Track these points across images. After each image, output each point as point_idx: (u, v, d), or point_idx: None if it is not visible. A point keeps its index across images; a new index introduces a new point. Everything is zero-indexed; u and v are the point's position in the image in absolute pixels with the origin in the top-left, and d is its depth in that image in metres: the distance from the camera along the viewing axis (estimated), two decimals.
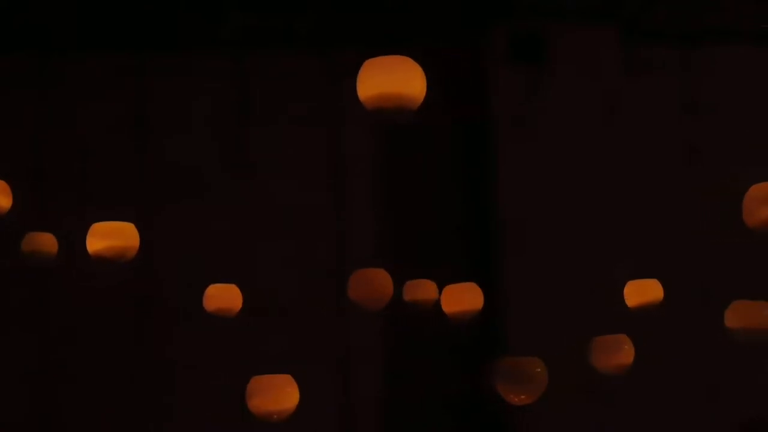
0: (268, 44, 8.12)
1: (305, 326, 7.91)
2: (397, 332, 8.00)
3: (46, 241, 5.54)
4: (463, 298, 5.53)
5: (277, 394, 4.25)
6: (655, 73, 8.38)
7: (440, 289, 5.82)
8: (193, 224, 7.95)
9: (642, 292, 5.56)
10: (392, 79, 3.17)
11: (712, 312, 8.10)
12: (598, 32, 8.14)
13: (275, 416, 4.23)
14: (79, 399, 7.81)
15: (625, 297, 5.62)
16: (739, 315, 4.88)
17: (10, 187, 4.80)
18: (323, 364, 7.97)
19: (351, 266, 5.44)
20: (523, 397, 4.47)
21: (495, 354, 7.90)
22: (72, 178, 7.89)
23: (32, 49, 7.89)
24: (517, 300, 7.85)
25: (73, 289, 7.65)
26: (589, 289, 7.44)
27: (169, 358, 7.87)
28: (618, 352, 5.15)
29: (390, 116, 3.18)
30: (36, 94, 7.84)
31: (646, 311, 5.53)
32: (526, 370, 4.50)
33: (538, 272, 7.81)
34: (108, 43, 8.04)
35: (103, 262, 4.64)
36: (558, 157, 7.95)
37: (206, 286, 5.93)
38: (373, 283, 5.15)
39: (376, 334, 8.00)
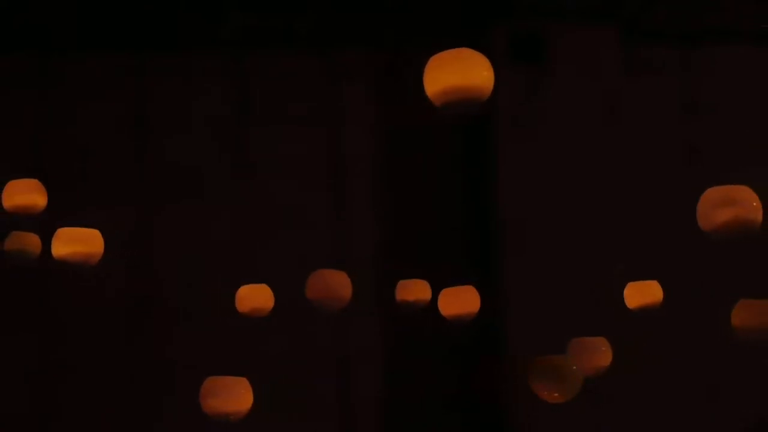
0: (268, 44, 8.12)
1: (305, 326, 7.91)
2: (397, 332, 8.00)
3: (31, 241, 5.54)
4: (460, 301, 5.53)
5: (232, 395, 4.28)
6: (655, 73, 8.39)
7: (440, 288, 5.82)
8: (193, 224, 7.95)
9: (642, 293, 5.56)
10: (460, 72, 3.17)
11: (712, 312, 8.12)
12: (598, 32, 8.14)
13: (230, 417, 4.27)
14: (78, 399, 7.80)
15: (626, 298, 5.63)
16: (746, 314, 4.88)
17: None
18: (323, 364, 7.98)
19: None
20: (556, 395, 4.48)
21: (494, 354, 7.91)
22: (72, 178, 7.89)
23: (32, 49, 7.89)
24: (517, 300, 7.85)
25: (73, 289, 7.64)
26: (589, 289, 7.44)
27: (169, 358, 7.87)
28: (595, 355, 5.15)
29: (460, 109, 3.19)
30: (36, 94, 7.84)
31: (645, 312, 5.53)
32: (562, 369, 4.50)
33: (538, 272, 7.81)
34: (108, 43, 8.04)
35: (66, 266, 4.72)
36: (558, 157, 7.95)
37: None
38: (330, 285, 5.16)
39: (376, 334, 8.00)
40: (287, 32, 8.16)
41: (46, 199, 4.94)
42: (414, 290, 5.89)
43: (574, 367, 4.48)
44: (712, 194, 3.62)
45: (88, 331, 7.84)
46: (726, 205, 3.55)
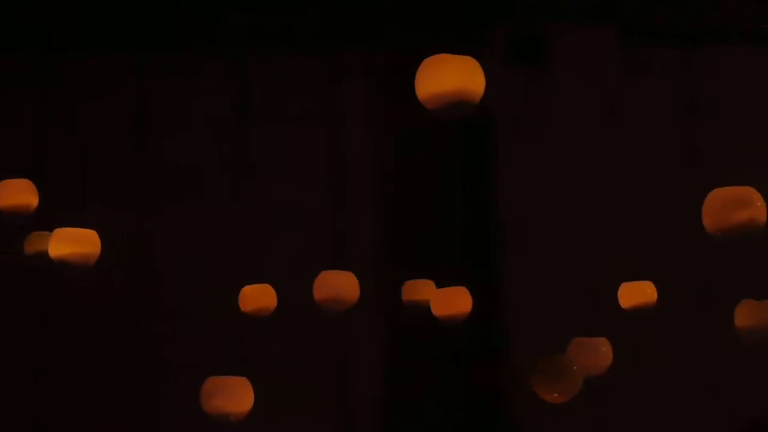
0: (268, 44, 8.12)
1: (305, 327, 7.91)
2: (397, 333, 8.00)
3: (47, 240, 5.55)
4: (452, 302, 5.54)
5: (234, 395, 4.30)
6: (655, 73, 8.38)
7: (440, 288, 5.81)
8: (193, 224, 7.95)
9: (636, 294, 5.54)
10: (457, 76, 3.21)
11: (713, 312, 8.12)
12: (598, 32, 8.14)
13: (232, 417, 4.28)
14: (77, 399, 7.80)
15: (619, 298, 5.61)
16: (748, 314, 4.88)
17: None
18: (323, 365, 7.97)
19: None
20: (556, 395, 4.48)
21: (494, 354, 7.91)
22: (72, 178, 7.89)
23: (32, 49, 7.89)
24: (517, 300, 7.85)
25: (71, 288, 7.64)
26: (590, 289, 7.44)
27: (168, 358, 7.87)
28: (596, 355, 5.15)
29: (453, 113, 3.21)
30: (36, 94, 7.84)
31: (639, 313, 5.52)
32: (562, 369, 4.50)
33: (538, 272, 7.81)
34: (108, 43, 8.04)
35: (65, 267, 4.73)
36: (558, 157, 7.95)
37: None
38: (336, 286, 5.18)
39: (376, 334, 7.99)
40: (287, 32, 8.16)
41: (38, 198, 4.95)
42: (420, 290, 5.90)
43: (575, 367, 4.49)
44: (721, 195, 3.57)
45: (87, 331, 7.83)
46: (740, 206, 3.51)
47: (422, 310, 5.89)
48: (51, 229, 5.63)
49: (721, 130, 8.32)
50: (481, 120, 8.14)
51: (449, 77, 3.21)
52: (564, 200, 7.89)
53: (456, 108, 3.21)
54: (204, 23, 8.06)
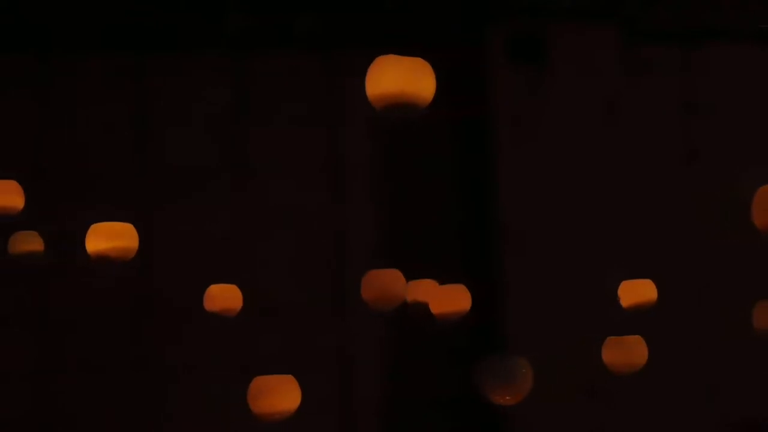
0: (268, 44, 8.13)
1: (305, 326, 7.91)
2: (398, 332, 8.00)
3: (32, 240, 5.56)
4: (451, 299, 5.54)
5: (281, 395, 4.32)
6: (655, 73, 8.39)
7: None
8: (193, 224, 7.95)
9: (636, 292, 5.54)
10: (401, 78, 3.20)
11: (712, 312, 8.14)
12: (597, 32, 8.15)
13: (277, 416, 4.31)
14: (77, 399, 7.80)
15: (620, 297, 5.61)
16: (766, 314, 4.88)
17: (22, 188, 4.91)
18: (323, 365, 7.98)
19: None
20: (508, 398, 4.47)
21: (494, 354, 7.91)
22: (72, 178, 7.89)
23: (32, 49, 7.89)
24: (517, 301, 7.85)
25: (72, 289, 7.64)
26: (590, 290, 7.44)
27: (168, 358, 7.87)
28: (631, 353, 5.16)
29: (399, 114, 3.21)
30: (36, 94, 7.84)
31: (639, 311, 5.52)
32: (511, 370, 4.50)
33: (538, 272, 7.82)
34: (108, 43, 8.04)
35: (104, 262, 4.69)
36: (558, 158, 7.95)
37: (206, 286, 5.92)
38: (386, 284, 5.19)
39: (377, 334, 8.00)
40: (287, 32, 8.16)
41: (24, 200, 4.94)
42: (424, 290, 5.89)
43: (524, 369, 4.48)
44: None
45: (87, 331, 7.84)
46: None
47: (425, 309, 5.88)
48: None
49: (721, 130, 8.33)
50: (481, 120, 8.15)
51: (394, 79, 3.20)
52: (564, 200, 7.89)
53: (401, 109, 3.20)
54: (204, 23, 8.07)
